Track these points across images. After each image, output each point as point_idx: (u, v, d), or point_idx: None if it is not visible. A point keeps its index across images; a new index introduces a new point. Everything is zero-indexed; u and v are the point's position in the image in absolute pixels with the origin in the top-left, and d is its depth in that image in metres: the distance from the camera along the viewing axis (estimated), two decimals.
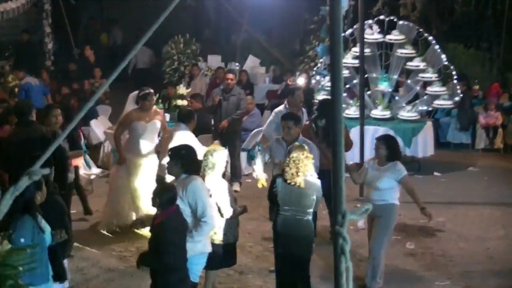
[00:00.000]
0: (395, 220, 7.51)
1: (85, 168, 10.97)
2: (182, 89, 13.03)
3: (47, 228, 5.26)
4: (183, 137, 8.39)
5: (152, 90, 9.47)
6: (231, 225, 7.00)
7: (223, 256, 6.99)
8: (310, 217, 6.64)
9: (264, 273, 7.90)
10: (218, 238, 6.88)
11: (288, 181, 6.59)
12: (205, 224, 6.21)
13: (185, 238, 5.91)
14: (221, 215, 6.84)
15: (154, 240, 5.86)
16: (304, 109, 10.34)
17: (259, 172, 8.06)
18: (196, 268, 6.35)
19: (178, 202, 6.17)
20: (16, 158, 7.70)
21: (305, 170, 6.54)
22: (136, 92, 9.42)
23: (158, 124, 9.31)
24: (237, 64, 16.82)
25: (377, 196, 7.34)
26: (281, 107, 10.17)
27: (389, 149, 7.41)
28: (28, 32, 17.78)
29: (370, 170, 7.48)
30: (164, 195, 5.84)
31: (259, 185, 7.99)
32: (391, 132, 11.83)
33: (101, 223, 9.29)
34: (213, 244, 6.74)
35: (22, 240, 4.59)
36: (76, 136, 8.95)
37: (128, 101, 9.57)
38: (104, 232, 9.13)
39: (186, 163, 6.44)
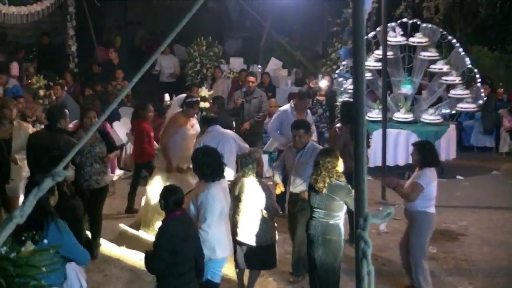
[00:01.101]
0: (430, 227, 7.33)
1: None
2: (204, 92, 13.02)
3: None
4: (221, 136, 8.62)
5: (198, 99, 9.53)
6: (266, 227, 7.04)
7: (260, 257, 7.12)
8: (338, 221, 6.62)
9: (285, 276, 7.91)
10: (252, 239, 6.97)
11: (313, 186, 6.63)
12: (202, 233, 6.21)
13: (190, 244, 5.79)
14: (264, 215, 6.95)
15: (154, 242, 5.82)
16: (308, 111, 10.40)
17: (278, 178, 8.07)
18: (213, 270, 6.41)
19: (190, 204, 6.23)
20: (31, 160, 7.85)
21: (328, 175, 6.55)
22: (183, 96, 9.43)
23: (197, 127, 9.37)
24: (259, 66, 16.82)
25: (406, 202, 7.32)
26: (286, 106, 10.27)
27: (421, 155, 7.32)
28: (48, 35, 17.92)
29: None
30: (169, 197, 5.80)
31: (277, 191, 7.95)
32: (414, 135, 11.79)
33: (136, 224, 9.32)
34: (247, 245, 6.90)
35: (46, 241, 4.63)
36: (110, 137, 8.96)
37: (173, 104, 9.58)
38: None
39: (199, 168, 6.49)
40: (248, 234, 7.06)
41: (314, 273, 6.80)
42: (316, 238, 6.67)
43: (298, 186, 7.72)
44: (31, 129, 9.01)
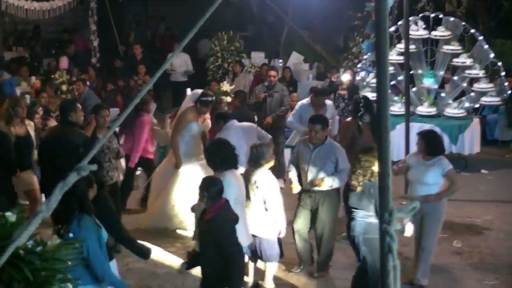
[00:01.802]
0: (443, 216, 7.42)
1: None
2: (225, 86, 13.02)
3: (101, 225, 5.35)
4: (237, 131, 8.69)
5: (214, 98, 9.54)
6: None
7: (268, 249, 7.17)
8: (372, 219, 6.58)
9: (310, 269, 7.92)
10: (260, 231, 7.02)
11: (349, 185, 6.73)
12: None
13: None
14: (266, 209, 6.93)
15: (208, 235, 5.86)
16: (330, 105, 10.41)
17: (294, 175, 8.00)
18: None
19: None
20: (45, 155, 7.94)
21: (363, 173, 6.56)
22: (198, 91, 9.42)
23: (209, 123, 9.39)
24: (280, 60, 16.78)
25: (425, 191, 7.27)
26: (304, 101, 10.32)
27: (427, 144, 7.32)
28: (69, 32, 18.04)
29: (415, 165, 7.40)
30: (212, 188, 5.87)
31: (294, 190, 7.91)
32: (437, 129, 11.70)
33: (149, 221, 9.31)
34: (257, 237, 6.96)
35: (71, 235, 4.67)
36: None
37: (186, 99, 9.59)
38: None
39: (212, 159, 6.62)
40: (257, 226, 7.07)
41: (359, 271, 6.81)
42: (357, 238, 6.68)
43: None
44: (31, 128, 9.15)
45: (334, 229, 7.80)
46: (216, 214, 5.84)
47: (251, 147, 7.31)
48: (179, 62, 16.45)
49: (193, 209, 7.22)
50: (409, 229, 7.20)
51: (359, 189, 6.57)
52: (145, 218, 9.35)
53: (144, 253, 6.33)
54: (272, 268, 7.45)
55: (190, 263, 6.21)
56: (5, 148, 7.90)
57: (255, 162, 7.12)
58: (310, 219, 7.76)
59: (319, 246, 7.86)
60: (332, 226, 7.74)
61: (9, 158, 7.94)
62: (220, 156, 6.60)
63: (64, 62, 15.81)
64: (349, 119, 9.28)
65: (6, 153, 7.88)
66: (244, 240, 6.51)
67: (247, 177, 7.13)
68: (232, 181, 6.48)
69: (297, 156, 7.90)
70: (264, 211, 7.05)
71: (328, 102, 10.50)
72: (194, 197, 8.53)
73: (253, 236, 7.10)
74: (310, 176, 7.62)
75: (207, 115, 9.47)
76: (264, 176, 7.03)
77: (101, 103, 10.53)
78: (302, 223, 7.74)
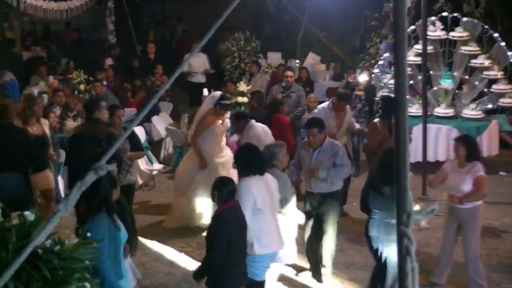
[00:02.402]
0: (481, 222, 7.44)
1: (147, 163, 11.12)
2: (242, 86, 13.03)
3: (122, 226, 5.35)
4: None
5: (232, 101, 9.61)
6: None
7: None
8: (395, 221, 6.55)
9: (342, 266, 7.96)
10: None
11: (372, 187, 6.70)
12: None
13: (243, 234, 5.89)
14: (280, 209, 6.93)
15: (210, 233, 5.86)
16: (348, 108, 10.18)
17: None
18: (258, 267, 6.35)
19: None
20: (73, 152, 8.04)
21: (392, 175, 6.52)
22: (217, 94, 9.46)
23: (228, 123, 9.48)
24: (297, 61, 16.77)
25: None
26: (325, 104, 10.06)
27: (468, 150, 7.27)
28: (78, 31, 18.12)
29: (451, 173, 7.35)
30: (223, 188, 5.85)
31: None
32: (455, 131, 11.64)
33: (171, 221, 9.35)
34: None
35: (89, 234, 4.69)
36: (138, 136, 9.06)
37: (206, 101, 9.63)
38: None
39: (237, 164, 6.57)
40: None
41: (376, 271, 6.79)
42: (380, 239, 6.66)
43: (318, 185, 7.54)
44: (47, 127, 9.21)
45: (335, 231, 7.68)
46: (218, 214, 5.82)
47: (264, 148, 7.32)
48: (197, 63, 16.46)
49: None
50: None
51: (387, 191, 6.49)
52: (171, 218, 9.36)
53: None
54: (281, 269, 7.41)
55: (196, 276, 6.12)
56: (26, 144, 7.96)
57: (267, 163, 7.10)
58: (316, 222, 7.67)
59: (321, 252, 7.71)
60: (333, 229, 7.63)
61: (31, 155, 8.02)
62: (243, 161, 6.50)
63: (109, 62, 15.88)
64: (377, 120, 9.18)
65: (27, 149, 7.95)
66: (264, 249, 6.39)
67: None
68: (251, 188, 6.31)
69: (299, 160, 7.88)
70: (280, 212, 7.04)
71: (347, 105, 10.31)
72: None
73: None
74: (312, 180, 7.55)
75: (226, 115, 9.56)
76: (276, 176, 7.02)
77: (116, 103, 10.59)
78: (310, 226, 7.71)
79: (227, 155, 9.36)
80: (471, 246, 7.31)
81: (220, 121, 9.32)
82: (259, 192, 6.37)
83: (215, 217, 5.86)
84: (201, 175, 9.13)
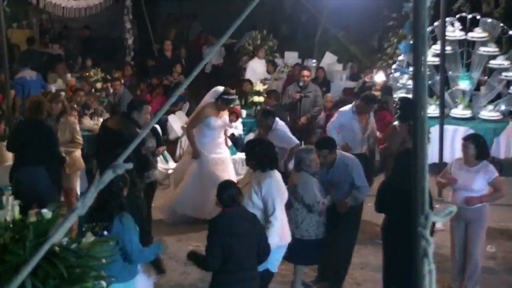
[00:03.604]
0: (487, 223, 7.41)
1: (162, 162, 11.14)
2: (259, 86, 13.03)
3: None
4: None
5: (236, 96, 9.64)
6: (314, 222, 7.01)
7: (307, 252, 7.08)
8: None
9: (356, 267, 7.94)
10: (299, 232, 6.98)
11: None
12: (270, 224, 6.37)
13: (245, 240, 5.70)
14: (309, 210, 6.94)
15: (207, 237, 5.82)
16: (371, 114, 9.81)
17: None
18: (276, 258, 6.51)
19: (253, 195, 6.26)
20: (101, 146, 8.12)
21: None
22: (220, 88, 9.47)
23: (227, 119, 9.56)
24: (313, 60, 16.72)
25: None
26: (347, 108, 9.61)
27: (477, 148, 7.23)
28: (89, 28, 18.17)
29: (459, 172, 7.29)
30: (223, 192, 5.79)
31: None
32: (472, 132, 11.56)
33: (166, 211, 9.47)
34: (296, 239, 6.88)
35: (105, 233, 4.72)
36: (158, 130, 9.14)
37: (208, 95, 9.65)
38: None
39: (258, 159, 6.56)
40: (292, 228, 7.02)
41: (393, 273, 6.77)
42: (396, 241, 6.62)
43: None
44: (77, 125, 9.28)
45: (352, 241, 7.63)
46: (215, 219, 5.77)
47: (296, 151, 7.39)
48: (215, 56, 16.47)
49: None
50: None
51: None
52: (163, 206, 9.54)
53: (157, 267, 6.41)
54: (299, 273, 7.40)
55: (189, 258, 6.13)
56: (51, 140, 8.06)
57: (296, 166, 7.21)
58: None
59: (331, 260, 7.60)
60: (350, 239, 7.59)
61: (57, 150, 8.10)
62: (267, 156, 6.60)
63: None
64: (396, 122, 9.11)
65: (53, 145, 8.05)
66: (288, 238, 6.65)
67: (291, 180, 7.21)
68: (280, 181, 6.58)
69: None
70: (307, 214, 7.04)
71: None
72: (208, 189, 8.71)
73: (298, 239, 7.04)
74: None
75: (225, 112, 9.59)
76: (302, 179, 7.04)
77: (143, 100, 10.69)
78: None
79: (225, 153, 9.44)
80: (477, 247, 7.26)
81: (220, 116, 9.36)
82: (283, 187, 6.62)
83: (211, 222, 5.80)
84: (193, 166, 9.30)
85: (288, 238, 6.75)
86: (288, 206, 6.96)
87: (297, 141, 9.09)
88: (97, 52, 17.39)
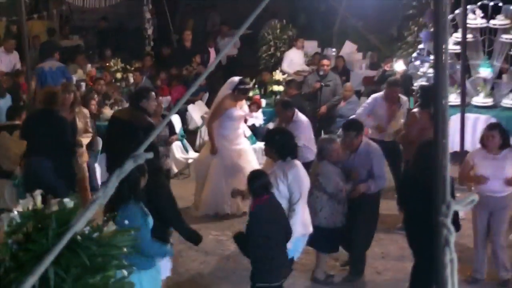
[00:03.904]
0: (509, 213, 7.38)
1: (182, 152, 11.19)
2: (278, 75, 13.01)
3: (148, 213, 5.41)
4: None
5: (251, 86, 9.67)
6: (333, 211, 7.02)
7: (326, 240, 7.13)
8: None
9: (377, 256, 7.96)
10: (317, 220, 7.03)
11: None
12: (294, 212, 6.42)
13: (281, 227, 5.91)
14: (331, 198, 7.03)
15: (247, 228, 5.92)
16: (404, 100, 9.86)
17: None
18: (299, 246, 6.64)
19: (279, 183, 6.29)
20: (111, 137, 8.11)
21: None
22: (236, 79, 9.47)
23: (246, 109, 9.60)
24: (333, 49, 16.65)
25: (500, 187, 7.15)
26: (378, 94, 9.82)
27: (503, 136, 7.20)
28: (105, 19, 18.20)
29: (485, 161, 7.23)
30: (256, 182, 5.86)
31: None
32: (493, 120, 11.46)
33: (200, 208, 9.44)
34: (314, 226, 6.90)
35: (126, 222, 4.74)
36: (171, 121, 9.19)
37: (224, 86, 9.65)
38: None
39: (280, 148, 6.60)
40: (311, 216, 7.03)
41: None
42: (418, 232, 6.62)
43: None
44: (88, 118, 9.36)
45: (370, 233, 7.63)
46: (254, 211, 5.87)
47: (319, 141, 7.49)
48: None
49: (233, 193, 7.47)
50: None
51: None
52: (196, 205, 9.49)
53: (195, 239, 6.42)
54: (321, 259, 7.44)
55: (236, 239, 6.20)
56: (61, 130, 8.08)
57: (318, 155, 7.30)
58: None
59: (351, 248, 7.60)
60: (368, 228, 7.54)
61: (66, 141, 8.13)
62: (288, 145, 6.65)
63: (212, 54, 15.93)
64: (416, 109, 9.06)
65: (62, 135, 8.06)
66: (311, 227, 6.72)
67: (313, 169, 7.28)
68: (303, 171, 6.63)
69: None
70: (326, 202, 7.07)
71: (404, 98, 9.90)
72: (235, 181, 8.73)
73: (316, 226, 7.04)
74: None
75: (244, 102, 9.62)
76: (324, 168, 7.12)
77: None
78: None
79: (244, 143, 9.45)
80: (500, 236, 7.23)
81: (239, 106, 9.36)
82: (306, 175, 6.67)
83: (251, 214, 5.91)
84: (215, 161, 9.25)
85: (310, 228, 6.79)
86: (309, 194, 6.98)
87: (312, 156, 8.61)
88: (116, 43, 17.42)
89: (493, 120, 11.44)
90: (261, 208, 5.83)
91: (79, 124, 9.01)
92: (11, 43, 14.08)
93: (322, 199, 7.09)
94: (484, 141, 7.31)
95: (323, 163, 7.16)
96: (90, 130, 9.30)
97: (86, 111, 9.55)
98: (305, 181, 6.63)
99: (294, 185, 6.44)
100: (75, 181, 8.46)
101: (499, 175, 7.13)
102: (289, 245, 6.18)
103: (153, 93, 8.27)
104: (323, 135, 10.61)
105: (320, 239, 7.12)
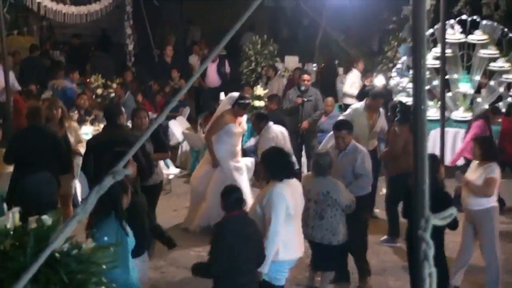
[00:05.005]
0: (497, 222, 7.38)
1: (164, 167, 11.13)
2: (259, 90, 13.03)
3: (131, 233, 5.33)
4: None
5: (250, 101, 9.65)
6: (330, 227, 6.99)
7: (326, 257, 7.11)
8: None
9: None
10: (336, 239, 7.00)
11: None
12: (268, 238, 6.13)
13: (250, 245, 5.72)
14: (345, 211, 7.03)
15: (211, 240, 5.83)
16: (381, 111, 10.17)
17: None
18: (273, 272, 6.33)
19: (257, 204, 6.22)
20: (98, 159, 7.98)
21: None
22: (235, 95, 9.48)
23: (245, 126, 9.54)
24: (314, 64, 16.72)
25: (473, 200, 7.20)
26: (358, 104, 10.13)
27: (483, 149, 7.24)
28: (79, 36, 18.08)
29: (470, 172, 7.32)
30: (228, 197, 5.80)
31: None
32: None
33: (195, 221, 9.37)
34: (311, 243, 6.93)
35: (106, 238, 4.70)
36: (163, 137, 9.10)
37: (223, 102, 9.67)
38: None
39: (268, 168, 6.50)
40: (318, 232, 7.01)
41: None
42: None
43: None
44: (79, 131, 9.30)
45: (363, 236, 7.71)
46: (221, 223, 5.78)
47: (315, 157, 7.39)
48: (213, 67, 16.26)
49: None
50: None
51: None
52: (190, 220, 9.41)
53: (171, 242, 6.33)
54: (329, 277, 7.41)
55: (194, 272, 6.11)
56: (56, 145, 8.04)
57: (320, 172, 7.14)
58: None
59: (352, 254, 7.73)
60: (362, 233, 7.66)
61: (60, 157, 8.09)
62: (275, 165, 6.44)
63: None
64: (395, 125, 9.19)
65: (56, 152, 8.02)
66: (288, 254, 6.43)
67: (316, 188, 7.12)
68: (284, 194, 6.26)
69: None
70: (341, 217, 7.04)
71: (380, 109, 10.18)
72: None
73: (319, 244, 7.03)
74: None
75: (243, 118, 9.58)
76: (331, 184, 7.08)
77: (138, 106, 10.69)
78: None
79: (242, 162, 9.37)
80: (486, 252, 7.28)
81: (238, 122, 9.31)
82: (291, 198, 6.34)
83: (217, 225, 5.81)
84: (216, 176, 9.13)
85: (296, 253, 6.57)
86: (320, 217, 6.95)
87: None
88: (96, 59, 17.34)
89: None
90: (228, 221, 5.72)
91: (71, 138, 8.94)
92: None
93: (337, 215, 7.02)
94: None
95: (328, 179, 7.08)
96: (82, 145, 9.13)
97: (76, 125, 9.46)
98: (283, 205, 6.24)
99: (267, 207, 6.19)
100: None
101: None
102: (265, 269, 6.07)
103: (122, 108, 8.27)
104: (316, 150, 10.71)
105: (318, 258, 7.16)
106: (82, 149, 9.06)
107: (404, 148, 8.50)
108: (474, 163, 7.48)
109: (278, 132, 9.12)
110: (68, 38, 19.05)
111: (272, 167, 6.44)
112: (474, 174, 7.29)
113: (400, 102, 9.85)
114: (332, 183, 7.05)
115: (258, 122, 9.19)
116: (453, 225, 6.41)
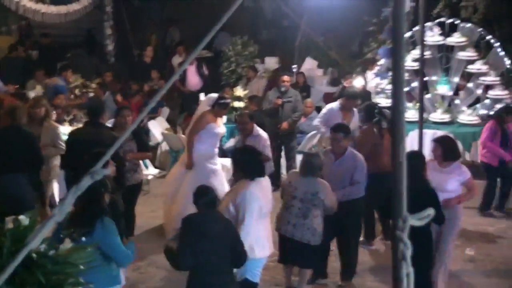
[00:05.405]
0: (460, 223, 7.40)
1: (142, 168, 11.09)
2: (239, 91, 13.03)
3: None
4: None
5: (230, 101, 9.63)
6: (311, 227, 7.02)
7: (303, 255, 7.10)
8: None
9: (337, 270, 7.88)
10: (316, 240, 7.03)
11: None
12: (241, 232, 6.14)
13: (216, 243, 5.66)
14: (329, 212, 7.10)
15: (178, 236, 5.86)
16: (355, 110, 10.26)
17: None
18: (251, 269, 6.41)
19: (229, 202, 6.24)
20: (76, 157, 7.94)
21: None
22: (214, 95, 9.43)
23: (224, 128, 9.51)
24: (294, 66, 16.76)
25: (443, 198, 7.23)
26: (333, 104, 10.31)
27: (443, 149, 7.27)
28: (47, 36, 17.95)
29: (433, 173, 7.32)
30: (200, 197, 5.80)
31: None
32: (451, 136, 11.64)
33: (172, 225, 9.34)
34: (297, 242, 6.91)
35: (83, 239, 4.69)
36: (145, 138, 9.05)
37: (202, 103, 9.63)
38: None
39: (239, 167, 6.53)
40: (299, 230, 7.02)
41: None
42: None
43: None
44: (59, 130, 9.22)
45: (358, 237, 7.78)
46: (184, 220, 5.81)
47: (305, 159, 7.34)
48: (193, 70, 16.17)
49: None
50: None
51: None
52: (166, 222, 9.35)
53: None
54: (307, 275, 7.44)
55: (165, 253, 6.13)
56: (31, 145, 7.98)
57: (309, 172, 7.12)
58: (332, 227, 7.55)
59: (342, 255, 7.76)
60: (356, 235, 7.73)
61: (37, 155, 8.05)
62: (248, 164, 6.47)
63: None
64: (365, 126, 9.23)
65: (33, 152, 7.95)
66: (263, 252, 6.50)
67: (304, 188, 7.10)
68: (257, 193, 6.34)
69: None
70: (320, 218, 7.07)
71: (355, 108, 10.37)
72: None
73: (292, 241, 7.04)
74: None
75: (222, 120, 9.54)
76: (321, 185, 7.11)
77: (123, 105, 10.66)
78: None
79: (219, 164, 9.34)
80: (447, 246, 7.23)
81: (217, 123, 9.28)
82: (263, 197, 6.41)
83: (184, 220, 5.83)
84: (190, 176, 9.06)
85: (270, 250, 6.65)
86: (305, 216, 6.97)
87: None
88: (77, 58, 17.22)
89: (451, 136, 11.63)
90: (191, 218, 5.75)
91: (48, 138, 8.85)
92: None
93: (319, 216, 7.04)
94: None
95: (317, 180, 7.08)
96: (62, 144, 8.99)
97: (56, 125, 9.36)
98: (256, 204, 6.31)
99: (240, 207, 6.23)
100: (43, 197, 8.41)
101: (442, 188, 7.19)
102: (242, 271, 6.15)
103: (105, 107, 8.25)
104: (303, 151, 10.76)
105: (313, 257, 7.19)
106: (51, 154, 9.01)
107: (374, 149, 8.51)
108: (434, 163, 7.42)
109: (264, 135, 9.17)
110: (38, 38, 18.86)
111: (245, 166, 6.47)
112: (439, 175, 7.24)
113: (364, 103, 10.02)
114: (321, 185, 7.07)
115: (251, 122, 9.19)
116: (439, 220, 6.42)
